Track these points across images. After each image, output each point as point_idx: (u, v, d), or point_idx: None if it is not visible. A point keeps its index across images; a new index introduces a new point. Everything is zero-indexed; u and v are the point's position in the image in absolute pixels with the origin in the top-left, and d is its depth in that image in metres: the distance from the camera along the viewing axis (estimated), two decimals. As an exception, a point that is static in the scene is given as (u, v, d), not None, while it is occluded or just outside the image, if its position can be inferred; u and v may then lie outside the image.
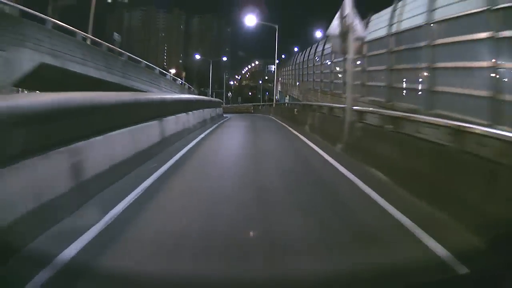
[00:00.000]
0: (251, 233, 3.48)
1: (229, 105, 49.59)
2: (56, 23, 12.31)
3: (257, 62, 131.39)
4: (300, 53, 28.87)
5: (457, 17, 6.71)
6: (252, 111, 36.73)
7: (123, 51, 16.94)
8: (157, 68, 21.38)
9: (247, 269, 2.61)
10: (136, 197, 4.23)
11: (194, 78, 73.58)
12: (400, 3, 9.42)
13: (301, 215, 3.79)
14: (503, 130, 4.20)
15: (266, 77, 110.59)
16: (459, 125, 4.03)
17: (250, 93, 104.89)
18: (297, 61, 28.63)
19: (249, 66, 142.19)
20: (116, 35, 23.00)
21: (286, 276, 2.47)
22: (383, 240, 3.19)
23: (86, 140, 4.24)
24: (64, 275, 2.46)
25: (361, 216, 3.86)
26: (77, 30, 13.46)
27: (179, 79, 26.28)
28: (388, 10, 10.00)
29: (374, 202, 4.25)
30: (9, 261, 2.46)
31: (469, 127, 3.89)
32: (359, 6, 7.89)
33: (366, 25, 11.40)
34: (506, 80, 5.81)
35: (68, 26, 12.97)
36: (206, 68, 61.93)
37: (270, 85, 75.04)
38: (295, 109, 17.09)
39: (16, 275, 2.40)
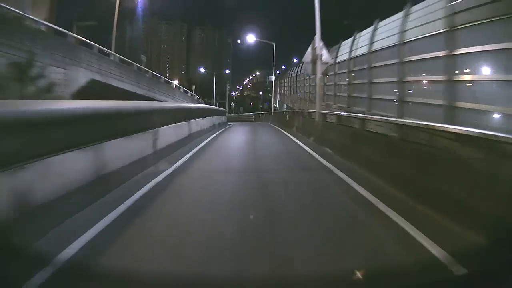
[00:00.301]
0: (251, 167, 7.06)
1: (231, 115, 53.32)
2: (100, 48, 16.03)
3: (258, 73, 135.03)
4: (295, 67, 32.63)
5: (383, 48, 10.32)
6: (253, 120, 40.38)
7: (148, 69, 20.75)
8: (172, 82, 25.09)
9: (250, 184, 6.17)
10: (184, 160, 7.80)
11: (198, 89, 77.48)
12: (357, 35, 13.07)
13: (277, 164, 7.44)
14: (396, 119, 7.67)
15: (269, 88, 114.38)
16: (364, 117, 7.58)
17: (251, 104, 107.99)
18: (292, 74, 32.41)
19: (251, 77, 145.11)
20: (142, 57, 26.95)
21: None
22: (315, 170, 6.77)
23: (158, 128, 7.83)
24: (158, 187, 6.01)
25: (308, 164, 7.46)
26: (115, 54, 17.21)
27: (189, 91, 30.06)
28: (350, 39, 13.66)
29: (318, 160, 7.82)
30: (126, 183, 5.87)
31: (374, 118, 7.45)
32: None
33: (338, 50, 15.06)
34: (410, 91, 9.38)
35: (108, 50, 16.69)
36: (208, 79, 65.79)
37: (270, 95, 78.76)
38: (287, 116, 20.74)
39: (120, 193, 5.93)
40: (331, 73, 14.72)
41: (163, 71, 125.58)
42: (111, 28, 21.40)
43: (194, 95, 32.20)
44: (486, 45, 5.99)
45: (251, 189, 5.37)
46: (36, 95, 10.05)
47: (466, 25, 6.41)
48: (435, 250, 2.95)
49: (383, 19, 10.72)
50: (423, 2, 8.21)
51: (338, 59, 14.09)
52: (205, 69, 69.63)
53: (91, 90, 15.13)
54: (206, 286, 2.54)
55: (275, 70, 39.13)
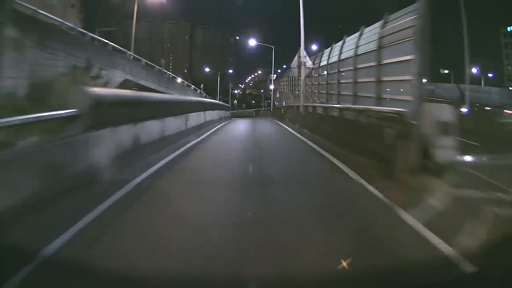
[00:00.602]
0: (250, 144, 10.90)
1: (234, 111, 57.20)
2: (133, 54, 19.89)
3: (260, 72, 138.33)
4: (291, 68, 36.40)
5: (346, 58, 14.12)
6: (254, 115, 44.27)
7: (166, 71, 24.69)
8: (185, 81, 28.96)
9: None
10: (205, 136, 11.68)
11: (203, 87, 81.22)
12: (334, 45, 16.84)
13: (268, 138, 11.36)
14: (338, 105, 11.46)
15: (272, 86, 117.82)
16: (326, 106, 11.39)
17: (253, 102, 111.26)
18: (289, 75, 36.20)
19: (253, 75, 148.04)
20: (162, 61, 31.10)
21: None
22: (292, 140, 10.65)
23: (188, 114, 11.67)
24: (193, 146, 9.87)
25: (288, 137, 11.36)
26: (142, 58, 21.13)
27: (199, 89, 33.95)
28: (328, 49, 17.43)
29: (296, 135, 11.67)
30: (175, 143, 9.78)
31: (331, 106, 11.26)
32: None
33: (321, 56, 18.83)
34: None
35: (137, 56, 20.59)
36: (212, 78, 69.53)
37: (271, 93, 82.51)
38: (282, 110, 24.57)
39: (173, 147, 9.79)
40: (316, 75, 18.49)
41: (166, 69, 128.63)
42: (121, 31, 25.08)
43: (203, 93, 36.15)
44: (400, 57, 9.71)
45: (251, 146, 9.29)
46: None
47: (388, 45, 10.16)
48: (342, 166, 6.64)
49: (349, 35, 14.48)
50: (369, 27, 11.96)
51: (322, 63, 17.88)
52: (209, 68, 73.50)
53: (126, 88, 19.01)
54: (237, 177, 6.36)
55: (276, 69, 42.93)
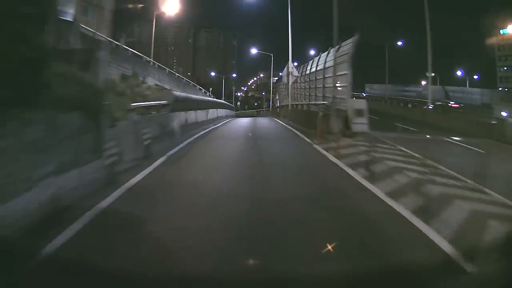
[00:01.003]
0: (250, 133, 16.31)
1: (238, 111, 62.75)
2: (156, 63, 25.33)
3: (262, 75, 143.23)
4: (282, 76, 41.90)
5: (319, 70, 19.49)
6: (256, 115, 49.77)
7: (183, 77, 30.19)
8: (197, 85, 34.40)
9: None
10: (219, 124, 17.12)
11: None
12: (314, 59, 22.21)
13: (263, 127, 16.78)
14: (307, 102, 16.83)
15: (274, 89, 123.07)
16: (301, 103, 16.76)
17: (256, 103, 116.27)
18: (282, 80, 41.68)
19: (255, 78, 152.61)
20: (180, 69, 36.61)
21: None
22: (279, 127, 16.09)
23: (208, 109, 17.13)
24: (212, 129, 15.33)
25: (277, 126, 16.83)
26: (165, 67, 26.59)
27: (208, 92, 39.48)
28: (311, 61, 22.80)
29: (283, 125, 17.11)
30: (202, 127, 15.22)
31: (303, 103, 16.65)
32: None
33: (305, 66, 24.21)
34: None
35: (161, 65, 26.05)
36: (216, 81, 74.91)
37: (273, 96, 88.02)
38: (278, 109, 30.01)
39: (203, 127, 15.26)
40: (301, 81, 23.85)
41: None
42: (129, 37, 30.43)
43: (211, 95, 41.64)
44: (344, 71, 15.04)
45: (250, 132, 14.76)
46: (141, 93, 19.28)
47: (339, 63, 15.51)
48: (298, 133, 12.13)
49: (324, 51, 19.86)
50: (333, 48, 17.34)
51: (306, 72, 23.22)
52: (214, 72, 79.08)
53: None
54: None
55: (278, 72, 48.34)
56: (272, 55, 41.64)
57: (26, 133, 3.58)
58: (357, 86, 69.44)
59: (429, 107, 25.66)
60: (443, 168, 6.73)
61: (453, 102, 28.01)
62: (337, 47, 15.84)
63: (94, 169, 4.90)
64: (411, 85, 58.69)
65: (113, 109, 5.91)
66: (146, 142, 7.15)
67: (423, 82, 53.11)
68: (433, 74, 55.29)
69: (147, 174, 5.81)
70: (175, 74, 28.28)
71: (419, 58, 47.64)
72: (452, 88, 53.73)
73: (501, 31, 63.19)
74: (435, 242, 3.35)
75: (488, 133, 15.10)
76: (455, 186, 5.40)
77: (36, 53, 3.77)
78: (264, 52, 45.04)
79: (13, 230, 3.16)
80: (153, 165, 6.43)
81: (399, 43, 50.72)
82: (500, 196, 5.02)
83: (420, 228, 3.68)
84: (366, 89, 67.08)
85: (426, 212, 4.09)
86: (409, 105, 29.79)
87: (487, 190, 5.29)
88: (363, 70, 53.40)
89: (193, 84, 32.56)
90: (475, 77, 64.09)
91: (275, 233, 3.49)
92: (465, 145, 12.02)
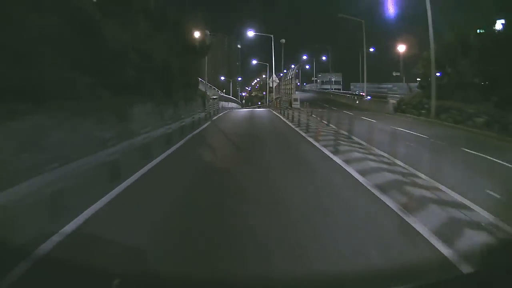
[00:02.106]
0: (250, 112, 29.84)
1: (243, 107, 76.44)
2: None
3: (264, 76, 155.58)
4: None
5: (287, 78, 32.79)
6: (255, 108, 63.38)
7: (215, 88, 44.12)
8: (216, 88, 47.92)
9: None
10: (229, 111, 30.67)
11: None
12: (287, 71, 35.53)
13: (259, 115, 30.31)
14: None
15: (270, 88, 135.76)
16: (277, 98, 30.18)
17: (259, 102, 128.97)
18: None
19: (258, 79, 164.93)
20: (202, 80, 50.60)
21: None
22: (270, 116, 29.56)
23: (228, 102, 30.75)
24: (223, 115, 28.92)
25: (269, 114, 30.30)
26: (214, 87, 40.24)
27: (222, 92, 52.93)
28: (285, 72, 36.10)
29: (274, 114, 30.53)
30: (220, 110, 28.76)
31: (277, 98, 30.09)
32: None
33: (286, 74, 37.74)
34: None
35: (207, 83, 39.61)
36: (222, 82, 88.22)
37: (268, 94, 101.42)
38: (269, 103, 43.50)
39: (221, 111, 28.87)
40: (282, 84, 37.26)
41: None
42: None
43: (219, 92, 55.25)
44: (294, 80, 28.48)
45: (250, 118, 28.26)
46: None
47: (292, 76, 28.76)
48: (275, 112, 25.53)
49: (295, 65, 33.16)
50: (292, 68, 30.57)
51: (286, 78, 36.47)
52: (222, 76, 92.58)
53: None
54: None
55: (279, 73, 61.72)
56: (268, 64, 54.86)
57: (189, 105, 17.21)
58: (347, 85, 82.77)
59: (367, 98, 38.45)
60: (331, 125, 19.99)
61: (363, 93, 39.66)
62: (294, 67, 29.48)
63: (203, 115, 18.42)
64: (383, 83, 71.73)
65: (207, 97, 19.62)
66: (214, 108, 20.75)
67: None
68: (398, 74, 68.16)
69: (218, 117, 19.58)
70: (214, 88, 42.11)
71: (391, 60, 61.11)
72: (414, 84, 66.98)
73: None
74: (324, 151, 16.70)
75: (381, 109, 28.13)
76: (333, 131, 18.65)
77: (197, 93, 17.53)
78: (263, 59, 58.27)
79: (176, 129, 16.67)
80: (218, 115, 20.00)
81: (371, 49, 63.66)
82: (362, 141, 18.30)
83: (315, 144, 17.02)
84: (351, 87, 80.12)
85: (316, 138, 17.47)
86: (354, 97, 41.79)
87: (354, 138, 18.50)
88: (352, 72, 66.36)
89: (216, 89, 46.36)
90: (438, 74, 77.56)
91: (258, 139, 16.75)
92: (362, 117, 25.17)
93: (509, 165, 7.68)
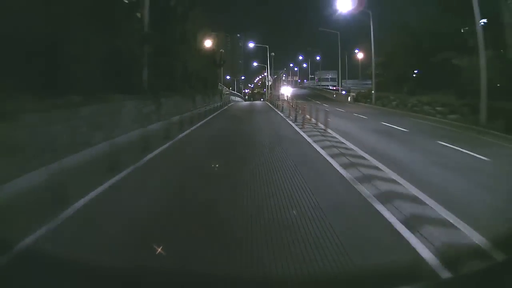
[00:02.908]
0: (250, 104, 39.95)
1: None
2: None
3: (265, 74, 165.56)
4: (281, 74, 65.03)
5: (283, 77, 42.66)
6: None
7: (223, 86, 54.25)
8: (225, 86, 57.95)
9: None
10: (235, 103, 40.77)
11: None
12: (279, 72, 45.34)
13: (256, 104, 40.41)
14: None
15: (269, 85, 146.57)
16: (269, 92, 40.17)
17: (262, 99, 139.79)
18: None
19: (260, 76, 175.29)
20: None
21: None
22: (265, 106, 39.64)
23: (235, 96, 40.95)
24: (231, 105, 39.03)
25: (264, 105, 40.43)
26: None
27: (228, 89, 62.81)
28: (279, 72, 45.87)
29: (268, 105, 40.59)
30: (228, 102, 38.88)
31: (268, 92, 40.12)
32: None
33: (278, 74, 47.73)
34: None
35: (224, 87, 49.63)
36: (226, 80, 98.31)
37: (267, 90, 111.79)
38: (266, 97, 53.56)
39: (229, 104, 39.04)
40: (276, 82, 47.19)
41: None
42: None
43: (229, 90, 65.10)
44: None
45: (250, 105, 38.52)
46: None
47: (281, 76, 38.65)
48: (270, 105, 35.60)
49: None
50: (281, 71, 40.36)
51: (279, 78, 46.25)
52: (230, 76, 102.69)
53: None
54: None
55: (279, 71, 71.39)
56: (266, 66, 64.73)
57: (214, 97, 27.37)
58: (339, 81, 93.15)
59: (343, 92, 48.13)
60: (296, 108, 30.00)
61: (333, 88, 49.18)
62: (281, 71, 39.55)
63: (219, 104, 28.44)
64: (368, 80, 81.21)
65: (222, 93, 29.83)
66: (227, 100, 30.91)
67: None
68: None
69: (229, 105, 29.81)
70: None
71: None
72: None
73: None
74: (281, 115, 26.68)
75: (346, 100, 37.92)
76: (294, 111, 28.63)
77: (217, 90, 27.74)
78: (263, 60, 68.11)
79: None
80: (229, 104, 30.17)
81: (356, 50, 73.26)
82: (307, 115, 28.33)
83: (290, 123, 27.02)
84: (342, 83, 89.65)
85: (281, 112, 27.50)
86: (333, 92, 51.74)
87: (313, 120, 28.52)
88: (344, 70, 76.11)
89: (225, 87, 56.47)
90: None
91: (253, 112, 26.78)
92: (324, 104, 34.99)
93: (390, 125, 17.40)
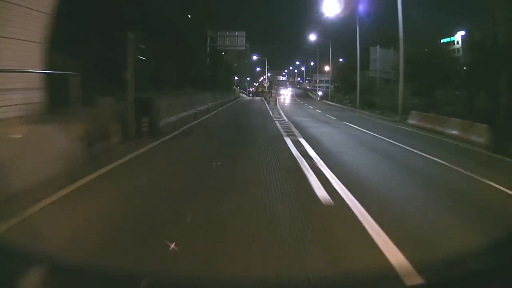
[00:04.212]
0: (251, 101, 55.95)
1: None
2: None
3: (269, 74, 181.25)
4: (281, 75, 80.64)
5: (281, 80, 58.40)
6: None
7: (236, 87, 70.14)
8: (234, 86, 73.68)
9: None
10: (241, 98, 56.89)
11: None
12: (276, 75, 61.04)
13: (255, 100, 56.47)
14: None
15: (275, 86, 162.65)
16: (265, 91, 56.07)
17: (261, 96, 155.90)
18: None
19: (264, 76, 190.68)
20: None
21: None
22: (259, 101, 55.61)
23: (242, 94, 56.99)
24: (238, 100, 55.18)
25: (260, 102, 56.48)
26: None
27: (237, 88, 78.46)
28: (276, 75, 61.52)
29: (262, 100, 56.51)
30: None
31: (265, 91, 56.07)
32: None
33: (273, 76, 63.67)
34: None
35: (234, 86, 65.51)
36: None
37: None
38: (265, 95, 69.48)
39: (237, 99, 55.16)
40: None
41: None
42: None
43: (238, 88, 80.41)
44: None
45: (251, 100, 54.61)
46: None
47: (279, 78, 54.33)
48: (263, 101, 51.55)
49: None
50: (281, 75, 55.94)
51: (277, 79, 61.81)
52: (238, 77, 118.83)
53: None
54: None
55: (282, 72, 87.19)
56: (266, 71, 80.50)
57: (228, 93, 43.59)
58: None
59: (319, 93, 63.69)
60: (278, 103, 45.78)
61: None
62: (271, 75, 55.63)
63: (231, 98, 44.49)
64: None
65: (235, 91, 46.21)
66: (237, 96, 47.11)
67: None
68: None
69: (238, 99, 45.84)
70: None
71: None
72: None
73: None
74: (266, 105, 42.58)
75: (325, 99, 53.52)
76: (274, 104, 44.55)
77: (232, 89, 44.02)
78: (264, 66, 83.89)
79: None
80: (238, 99, 46.60)
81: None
82: (279, 106, 44.16)
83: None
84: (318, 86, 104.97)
85: (268, 104, 43.45)
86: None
87: (278, 105, 44.27)
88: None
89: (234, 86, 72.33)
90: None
91: (251, 103, 42.73)
92: (300, 102, 50.53)
93: (317, 110, 33.28)
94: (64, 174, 4.92)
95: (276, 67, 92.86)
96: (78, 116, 6.00)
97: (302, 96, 64.30)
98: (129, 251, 3.00)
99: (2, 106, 5.55)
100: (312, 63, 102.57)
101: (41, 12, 6.49)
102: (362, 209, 4.17)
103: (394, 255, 3.01)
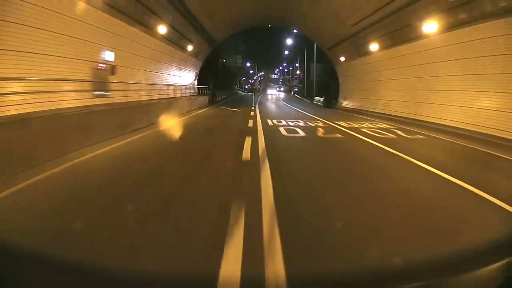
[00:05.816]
0: (246, 95, 78.35)
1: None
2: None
3: (262, 73, 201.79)
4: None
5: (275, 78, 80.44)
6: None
7: (236, 86, 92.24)
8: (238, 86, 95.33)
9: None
10: (242, 94, 79.14)
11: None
12: (270, 74, 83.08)
13: (248, 95, 79.19)
14: None
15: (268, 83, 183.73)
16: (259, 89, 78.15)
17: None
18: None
19: (257, 75, 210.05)
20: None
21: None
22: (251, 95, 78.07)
23: (238, 91, 79.34)
24: (242, 94, 77.49)
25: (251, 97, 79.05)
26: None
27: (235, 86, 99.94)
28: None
29: (253, 94, 78.90)
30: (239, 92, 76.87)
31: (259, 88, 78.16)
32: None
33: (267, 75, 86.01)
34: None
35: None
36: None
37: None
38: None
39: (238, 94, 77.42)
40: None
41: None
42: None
43: (238, 88, 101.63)
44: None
45: (245, 96, 76.90)
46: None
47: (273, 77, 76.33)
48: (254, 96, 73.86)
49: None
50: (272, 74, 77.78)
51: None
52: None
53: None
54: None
55: (275, 70, 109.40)
56: (256, 65, 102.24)
57: (232, 89, 66.02)
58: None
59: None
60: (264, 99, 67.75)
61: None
62: (260, 76, 78.24)
63: (234, 93, 66.88)
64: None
65: (235, 89, 68.70)
66: (236, 92, 69.51)
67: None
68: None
69: (237, 94, 67.90)
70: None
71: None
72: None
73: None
74: (252, 98, 64.93)
75: (298, 94, 75.64)
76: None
77: (232, 87, 66.61)
78: (261, 61, 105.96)
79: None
80: (236, 94, 68.59)
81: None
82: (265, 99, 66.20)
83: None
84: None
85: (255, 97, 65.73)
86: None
87: (265, 100, 66.25)
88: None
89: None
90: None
91: (246, 98, 64.98)
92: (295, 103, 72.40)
93: (287, 104, 55.37)
94: (200, 108, 26.12)
95: (272, 65, 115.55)
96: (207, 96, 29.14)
97: (285, 92, 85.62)
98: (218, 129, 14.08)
99: (181, 95, 28.30)
100: (297, 64, 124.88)
101: (194, 71, 29.40)
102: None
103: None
